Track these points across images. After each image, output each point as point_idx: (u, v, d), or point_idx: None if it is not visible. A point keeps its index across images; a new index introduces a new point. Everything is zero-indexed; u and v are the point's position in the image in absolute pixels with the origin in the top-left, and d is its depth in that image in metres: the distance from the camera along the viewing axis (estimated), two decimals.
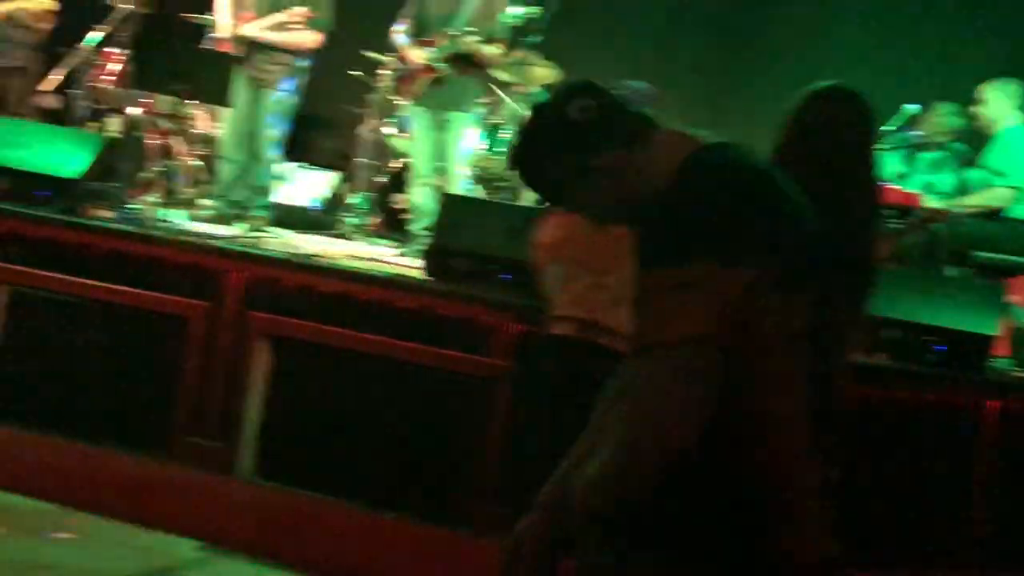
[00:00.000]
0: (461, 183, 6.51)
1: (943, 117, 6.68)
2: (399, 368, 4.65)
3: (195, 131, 7.93)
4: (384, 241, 7.33)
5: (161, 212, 5.33)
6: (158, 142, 7.42)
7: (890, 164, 6.50)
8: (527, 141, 2.08)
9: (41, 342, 5.04)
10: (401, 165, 7.65)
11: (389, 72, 7.43)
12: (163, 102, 7.75)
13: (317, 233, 7.24)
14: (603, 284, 3.61)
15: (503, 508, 4.17)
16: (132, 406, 4.91)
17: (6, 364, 5.03)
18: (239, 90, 6.27)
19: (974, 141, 6.63)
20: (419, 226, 6.46)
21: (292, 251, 5.17)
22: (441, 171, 6.72)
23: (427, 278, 4.88)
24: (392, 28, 6.66)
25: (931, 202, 6.34)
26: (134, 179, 6.77)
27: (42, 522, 4.05)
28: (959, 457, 4.36)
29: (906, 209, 6.07)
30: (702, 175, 1.89)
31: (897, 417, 4.33)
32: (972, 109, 6.52)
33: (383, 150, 8.11)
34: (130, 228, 5.09)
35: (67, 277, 4.96)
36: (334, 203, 7.97)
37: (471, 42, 6.26)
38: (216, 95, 6.23)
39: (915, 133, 6.55)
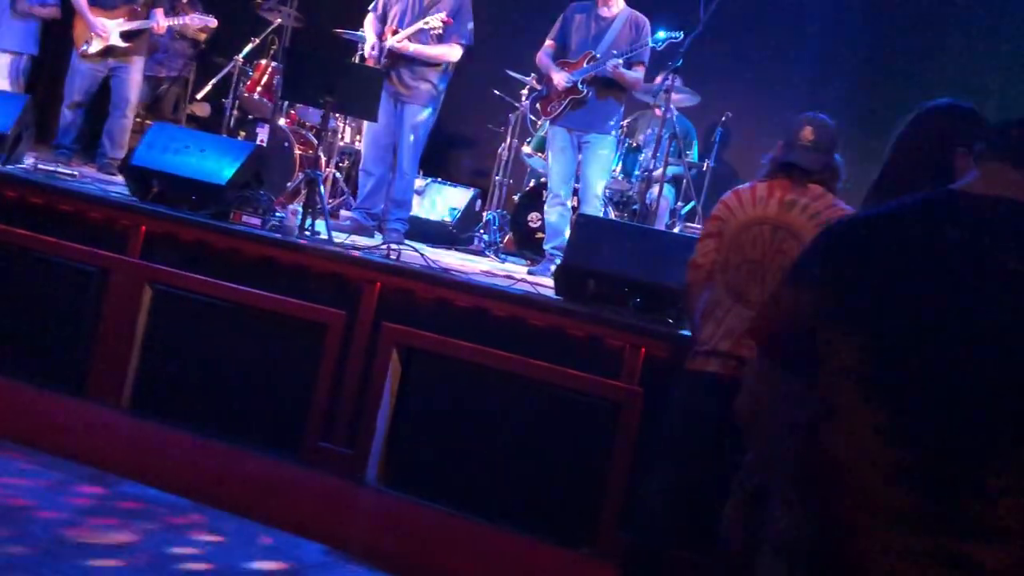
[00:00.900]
0: (596, 204, 6.53)
1: None
2: (527, 385, 4.68)
3: (341, 143, 8.13)
4: (517, 258, 7.40)
5: (305, 221, 5.44)
6: (304, 153, 7.64)
7: None
8: None
9: (182, 342, 5.21)
10: (537, 184, 7.71)
11: (531, 92, 7.52)
12: (311, 114, 8.00)
13: (452, 248, 7.35)
14: None
15: (624, 533, 4.15)
16: (268, 409, 5.04)
17: (147, 361, 5.21)
18: (382, 103, 6.40)
19: None
20: (551, 245, 6.51)
21: (427, 265, 5.23)
22: (576, 192, 6.77)
23: (557, 297, 4.90)
24: (538, 50, 6.73)
25: None
26: (280, 188, 6.98)
27: (176, 517, 4.18)
28: None
29: None
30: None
31: None
32: None
33: (521, 169, 8.19)
34: (274, 235, 5.24)
35: (210, 279, 5.12)
36: (470, 219, 8.07)
37: (613, 65, 6.30)
38: (362, 109, 6.36)
39: None
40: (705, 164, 7.78)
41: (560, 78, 6.45)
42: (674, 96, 6.93)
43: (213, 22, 8.00)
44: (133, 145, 6.98)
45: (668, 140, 6.83)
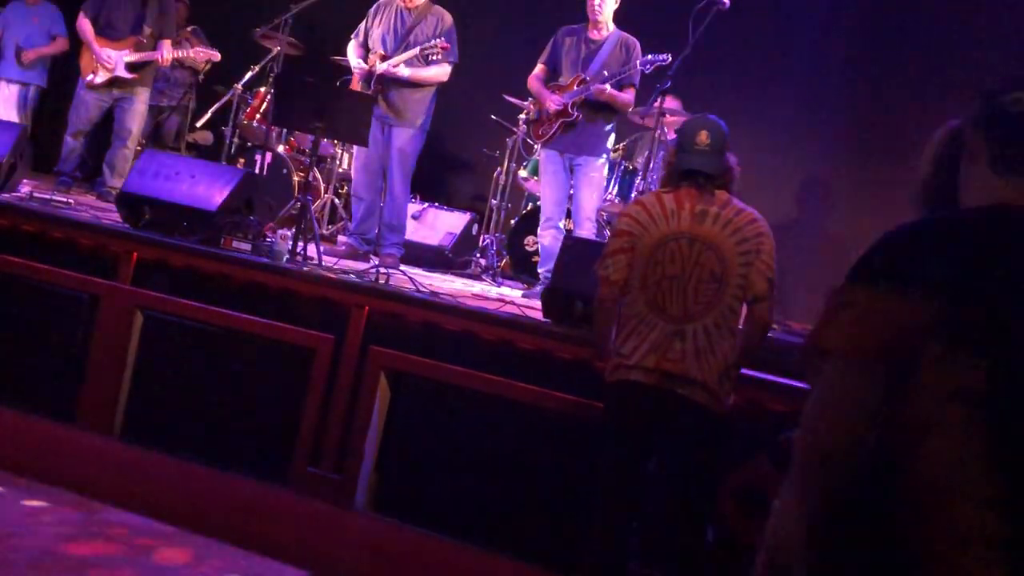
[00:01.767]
0: (589, 227, 6.52)
1: None
2: (515, 409, 4.65)
3: (340, 169, 8.16)
4: (514, 282, 7.39)
5: (296, 246, 5.46)
6: (300, 178, 7.66)
7: None
8: None
9: (173, 367, 5.21)
10: (534, 208, 7.71)
11: (525, 116, 7.54)
12: (306, 140, 8.04)
13: (449, 272, 7.35)
14: (683, 332, 3.55)
15: (607, 559, 4.11)
16: (257, 433, 5.03)
17: (137, 386, 5.21)
18: (371, 128, 6.43)
19: None
20: (545, 268, 6.50)
21: (415, 288, 5.23)
22: (569, 214, 6.77)
23: (545, 320, 4.89)
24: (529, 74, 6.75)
25: None
26: (274, 213, 7.00)
27: (157, 541, 4.17)
28: None
29: None
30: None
31: None
32: None
33: (518, 193, 8.21)
34: (263, 260, 5.25)
35: (201, 305, 5.13)
36: (467, 244, 8.08)
37: (603, 88, 6.30)
38: (353, 134, 6.38)
39: None
40: None
41: (550, 101, 6.46)
42: (669, 118, 6.93)
43: (217, 55, 8.06)
44: None
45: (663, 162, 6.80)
